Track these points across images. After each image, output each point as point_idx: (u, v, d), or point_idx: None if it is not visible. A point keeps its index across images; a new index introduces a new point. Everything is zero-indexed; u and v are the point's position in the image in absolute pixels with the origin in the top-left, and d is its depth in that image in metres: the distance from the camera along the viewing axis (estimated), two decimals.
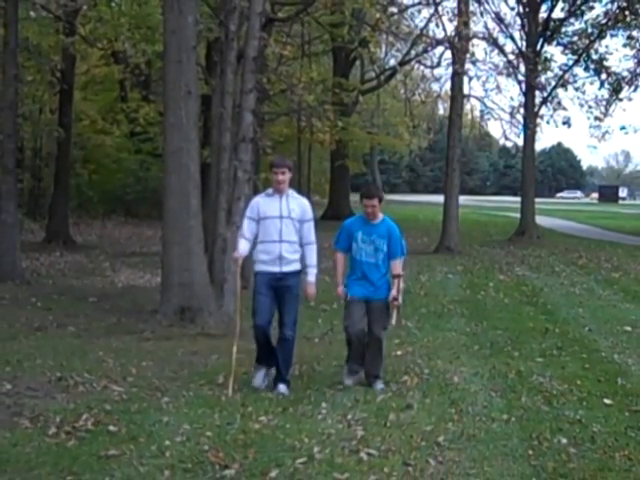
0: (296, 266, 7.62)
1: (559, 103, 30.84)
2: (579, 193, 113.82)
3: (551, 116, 30.88)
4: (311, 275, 7.67)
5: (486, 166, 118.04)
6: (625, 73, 31.46)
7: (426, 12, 36.35)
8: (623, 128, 35.25)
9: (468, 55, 24.50)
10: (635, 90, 31.82)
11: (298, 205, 7.65)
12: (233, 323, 8.21)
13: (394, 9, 25.19)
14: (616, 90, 31.39)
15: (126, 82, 31.05)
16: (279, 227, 7.52)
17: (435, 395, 7.44)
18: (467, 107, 39.49)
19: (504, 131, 38.54)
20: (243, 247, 7.64)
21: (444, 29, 24.82)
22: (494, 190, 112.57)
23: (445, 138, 29.74)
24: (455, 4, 23.96)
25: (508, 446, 5.99)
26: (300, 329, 10.24)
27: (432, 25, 26.06)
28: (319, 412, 6.82)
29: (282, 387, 7.55)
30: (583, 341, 10.35)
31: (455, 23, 22.90)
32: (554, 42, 30.66)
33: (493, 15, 29.59)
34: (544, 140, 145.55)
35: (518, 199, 32.80)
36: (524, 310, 13.01)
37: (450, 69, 25.80)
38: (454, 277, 17.57)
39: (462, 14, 22.44)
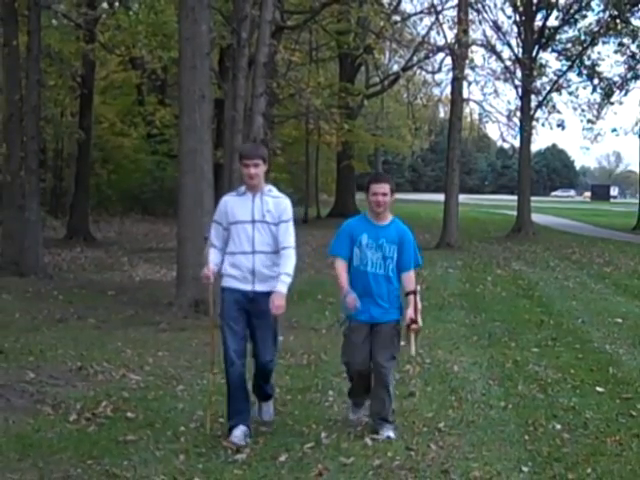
0: (274, 285, 5.63)
1: (554, 107, 30.89)
2: (573, 192, 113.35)
3: (546, 119, 30.99)
4: (282, 284, 5.59)
5: (484, 166, 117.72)
6: (616, 78, 31.55)
7: (428, 20, 36.46)
8: (614, 130, 35.10)
9: (467, 61, 24.51)
10: (626, 94, 31.89)
11: (275, 205, 5.71)
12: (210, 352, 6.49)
13: (397, 17, 25.29)
14: (608, 94, 31.35)
15: (143, 87, 31.07)
16: (251, 235, 5.66)
17: (436, 383, 7.43)
18: (466, 110, 39.35)
19: (501, 133, 38.58)
20: (213, 259, 5.81)
21: (444, 36, 24.98)
22: (492, 189, 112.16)
23: (445, 140, 29.69)
24: (455, 13, 23.97)
25: (505, 432, 5.97)
26: (308, 321, 10.30)
27: (433, 33, 26.38)
28: (326, 400, 6.80)
29: (266, 410, 6.03)
30: (576, 332, 10.31)
31: (455, 31, 22.91)
32: (549, 49, 30.69)
33: (491, 23, 29.75)
34: (539, 141, 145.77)
35: (515, 198, 32.73)
36: (520, 303, 12.97)
37: (450, 74, 25.83)
38: (454, 271, 17.54)
39: (462, 22, 22.40)
